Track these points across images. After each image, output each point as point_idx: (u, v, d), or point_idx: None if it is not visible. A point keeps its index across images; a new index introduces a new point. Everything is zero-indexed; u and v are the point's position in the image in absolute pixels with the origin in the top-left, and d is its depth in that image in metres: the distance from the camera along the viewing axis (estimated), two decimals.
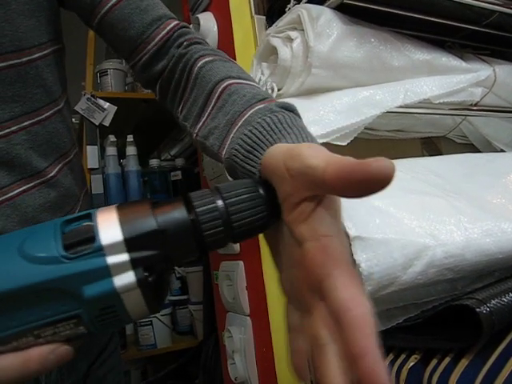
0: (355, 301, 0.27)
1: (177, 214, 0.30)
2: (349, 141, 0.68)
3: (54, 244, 0.28)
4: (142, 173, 1.49)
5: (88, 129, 1.39)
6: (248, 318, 0.80)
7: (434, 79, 0.74)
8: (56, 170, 0.55)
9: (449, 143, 0.96)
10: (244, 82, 0.48)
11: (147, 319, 1.43)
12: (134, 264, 0.28)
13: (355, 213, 0.54)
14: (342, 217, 0.32)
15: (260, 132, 0.38)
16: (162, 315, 1.46)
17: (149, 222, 0.29)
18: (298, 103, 0.68)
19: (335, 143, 0.66)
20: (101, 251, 0.27)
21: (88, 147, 1.37)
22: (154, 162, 1.57)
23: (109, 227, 0.28)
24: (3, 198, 0.49)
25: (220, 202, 0.30)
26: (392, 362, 0.53)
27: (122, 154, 1.50)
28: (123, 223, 0.28)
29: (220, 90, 0.47)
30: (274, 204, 0.32)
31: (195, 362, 1.48)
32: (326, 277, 0.28)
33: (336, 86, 0.69)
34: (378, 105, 0.69)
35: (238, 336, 0.82)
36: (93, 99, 1.39)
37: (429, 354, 0.52)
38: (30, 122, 0.51)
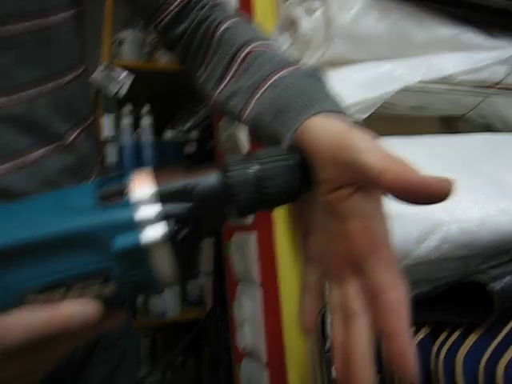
0: (394, 284, 0.29)
1: (210, 175, 0.30)
2: (367, 115, 0.67)
3: (88, 195, 0.28)
4: (156, 144, 1.50)
5: (104, 98, 1.39)
6: (259, 288, 0.81)
7: (457, 56, 0.72)
8: (74, 135, 0.55)
9: (467, 123, 0.94)
10: (269, 46, 0.48)
11: None
12: (164, 218, 0.28)
13: None
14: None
15: (292, 95, 0.38)
16: None
17: (182, 179, 0.29)
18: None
19: (355, 117, 0.66)
20: (132, 203, 0.28)
21: (104, 116, 1.37)
22: (168, 134, 1.57)
23: (142, 182, 0.29)
24: (24, 160, 0.50)
25: (254, 168, 0.30)
26: None
27: (136, 125, 1.50)
28: (157, 178, 0.29)
29: (244, 53, 0.47)
30: (307, 175, 0.32)
31: (204, 334, 1.51)
32: (368, 257, 0.30)
33: (356, 59, 0.69)
34: (399, 80, 0.68)
35: (248, 306, 0.83)
36: (110, 68, 1.39)
37: (438, 328, 0.52)
38: (52, 85, 0.51)
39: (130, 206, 0.28)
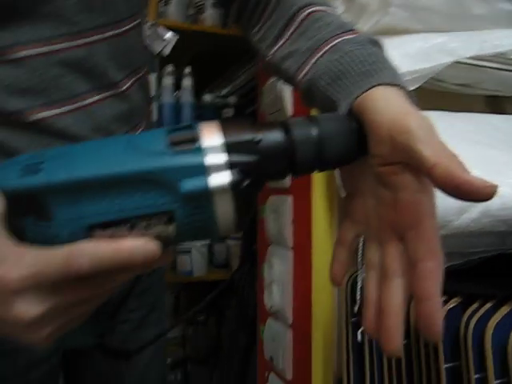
0: (432, 254, 0.32)
1: (274, 132, 0.32)
2: (415, 87, 0.67)
3: (159, 139, 0.30)
4: (196, 106, 1.51)
5: (148, 56, 1.40)
6: (291, 250, 0.83)
7: None
8: (129, 84, 0.57)
9: None
10: (328, 10, 0.48)
11: (187, 247, 1.50)
12: (230, 166, 0.29)
13: None
14: None
15: (352, 61, 0.39)
16: (200, 245, 1.53)
17: (248, 132, 0.31)
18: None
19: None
20: (201, 149, 0.29)
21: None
22: (207, 97, 1.58)
23: (211, 132, 0.30)
24: (80, 104, 0.52)
25: (316, 130, 0.32)
26: None
27: (177, 86, 1.51)
28: (224, 130, 0.30)
29: (304, 15, 0.47)
30: (364, 142, 0.33)
31: (226, 295, 1.55)
32: (413, 228, 0.32)
33: (411, 29, 0.68)
34: (451, 53, 0.67)
35: (279, 267, 0.85)
36: (155, 27, 1.39)
37: (470, 298, 0.54)
38: (112, 33, 0.53)
39: (200, 152, 0.29)
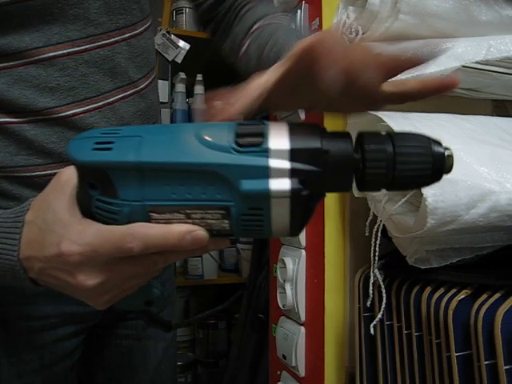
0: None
1: (343, 143, 0.31)
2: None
3: (226, 135, 0.30)
4: None
5: (161, 64, 1.44)
6: (303, 250, 0.85)
7: None
8: (146, 83, 0.61)
9: None
10: (275, 18, 0.60)
11: None
12: (292, 173, 0.29)
13: None
14: None
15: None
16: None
17: (315, 140, 0.30)
18: (381, 48, 0.71)
19: None
20: (266, 152, 0.29)
21: (159, 81, 1.43)
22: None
23: (278, 134, 0.30)
24: (105, 102, 0.55)
25: (390, 148, 0.31)
26: (442, 295, 0.57)
27: (189, 93, 1.55)
28: (292, 134, 0.30)
29: (254, 28, 0.58)
30: (439, 167, 0.32)
31: (237, 299, 1.57)
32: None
33: (420, 35, 0.71)
34: (459, 57, 0.70)
35: (291, 267, 0.87)
36: (168, 35, 1.44)
37: (480, 290, 0.56)
38: (129, 34, 0.56)
39: (266, 154, 0.29)
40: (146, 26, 0.60)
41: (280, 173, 0.29)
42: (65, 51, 0.51)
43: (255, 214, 0.30)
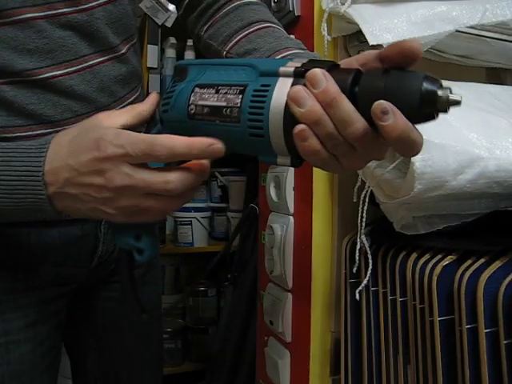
0: None
1: (345, 74, 0.35)
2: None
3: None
4: None
5: (150, 28, 1.41)
6: (291, 217, 0.85)
7: None
8: (125, 48, 0.60)
9: None
10: (285, 32, 0.56)
11: (187, 218, 1.52)
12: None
13: None
14: None
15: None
16: (201, 217, 1.55)
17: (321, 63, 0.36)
18: (374, 10, 0.69)
19: None
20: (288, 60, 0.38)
21: (149, 46, 1.40)
22: None
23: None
24: (85, 64, 0.55)
25: (381, 83, 0.33)
26: (428, 261, 0.57)
27: (179, 58, 1.52)
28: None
29: (262, 25, 0.54)
30: (429, 104, 0.33)
31: (226, 267, 1.58)
32: None
33: None
34: (454, 21, 0.68)
35: (279, 233, 0.87)
36: None
37: (464, 256, 0.56)
38: (107, 0, 0.55)
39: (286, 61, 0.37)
40: None
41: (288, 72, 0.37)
42: (41, 14, 0.50)
43: (263, 91, 0.36)
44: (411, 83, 0.32)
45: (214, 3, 0.59)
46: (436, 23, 0.68)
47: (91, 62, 0.55)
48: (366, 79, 0.34)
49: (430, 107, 0.32)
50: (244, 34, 0.55)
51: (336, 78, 0.34)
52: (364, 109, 0.33)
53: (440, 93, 0.32)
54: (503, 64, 0.90)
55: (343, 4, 0.70)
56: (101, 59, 0.56)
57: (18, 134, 0.52)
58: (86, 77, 0.55)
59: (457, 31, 0.69)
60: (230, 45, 0.56)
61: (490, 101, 0.68)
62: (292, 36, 0.58)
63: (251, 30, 0.54)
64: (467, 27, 0.70)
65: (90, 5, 0.53)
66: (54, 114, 0.53)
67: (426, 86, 0.32)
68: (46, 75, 0.52)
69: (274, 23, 0.56)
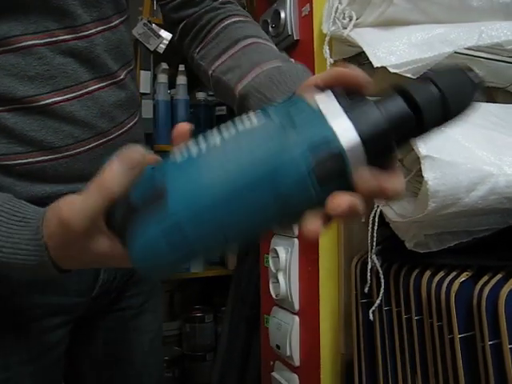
0: None
1: (394, 98, 0.31)
2: (419, 75, 0.70)
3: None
4: (190, 104, 1.53)
5: (142, 54, 1.41)
6: (296, 239, 0.85)
7: (510, 24, 0.74)
8: (124, 74, 0.61)
9: (505, 96, 0.96)
10: (271, 45, 0.54)
11: None
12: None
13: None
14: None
15: (290, 71, 0.44)
16: None
17: (370, 103, 0.31)
18: (375, 33, 0.71)
19: (406, 75, 0.69)
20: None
21: (141, 72, 1.40)
22: (200, 95, 1.60)
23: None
24: (85, 90, 0.55)
25: (435, 88, 0.31)
26: (443, 278, 0.58)
27: (171, 84, 1.53)
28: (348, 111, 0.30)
29: (248, 42, 0.53)
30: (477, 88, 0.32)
31: (221, 291, 1.56)
32: None
33: (413, 20, 0.71)
34: (452, 43, 0.70)
35: (284, 256, 0.87)
36: (149, 25, 1.41)
37: (480, 271, 0.56)
38: (104, 27, 0.57)
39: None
40: (122, 19, 0.60)
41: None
42: (42, 41, 0.51)
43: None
44: (458, 77, 0.32)
45: (206, 25, 0.60)
46: (436, 45, 0.70)
47: (91, 88, 0.55)
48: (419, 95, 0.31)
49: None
50: (230, 53, 0.55)
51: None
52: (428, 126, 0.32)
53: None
54: (495, 83, 0.93)
55: (345, 28, 0.71)
56: (100, 85, 0.56)
57: (19, 161, 0.52)
58: (86, 103, 0.55)
59: (455, 52, 0.71)
60: (217, 64, 0.57)
61: (490, 118, 0.70)
62: (284, 53, 0.59)
63: (237, 48, 0.55)
64: (465, 48, 0.72)
65: (90, 32, 0.54)
66: (55, 140, 0.53)
67: (471, 74, 0.32)
68: (46, 101, 0.52)
69: (261, 38, 0.56)
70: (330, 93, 0.32)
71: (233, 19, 0.58)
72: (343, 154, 0.29)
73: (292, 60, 0.50)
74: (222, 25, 0.58)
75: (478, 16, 0.73)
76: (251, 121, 0.32)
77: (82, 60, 0.54)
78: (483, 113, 0.71)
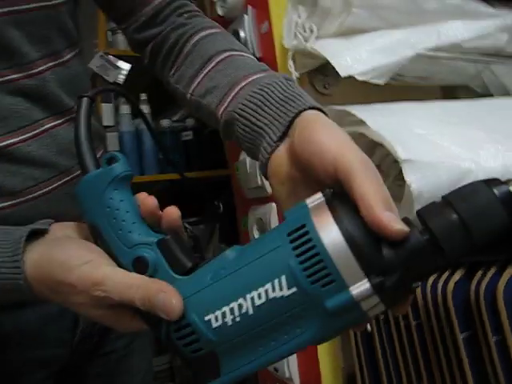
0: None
1: (412, 238, 0.29)
2: (385, 80, 0.70)
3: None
4: (155, 132, 1.50)
5: (102, 86, 1.39)
6: None
7: (464, 23, 0.76)
8: None
9: (467, 93, 0.99)
10: (246, 55, 0.50)
11: None
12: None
13: (402, 139, 0.57)
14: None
15: (273, 90, 0.40)
16: None
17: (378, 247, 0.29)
18: (337, 43, 0.71)
19: (373, 82, 0.69)
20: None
21: (103, 105, 1.38)
22: (164, 123, 1.58)
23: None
24: (40, 129, 0.52)
25: (454, 216, 0.29)
26: (437, 279, 0.57)
27: (134, 114, 1.50)
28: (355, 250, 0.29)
29: (221, 57, 0.49)
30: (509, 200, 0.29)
31: None
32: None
33: (373, 27, 0.72)
34: (413, 46, 0.72)
35: None
36: (106, 57, 1.39)
37: (472, 268, 0.56)
38: (55, 62, 0.54)
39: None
40: (74, 53, 0.58)
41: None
42: None
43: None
44: (481, 196, 0.29)
45: (175, 45, 0.55)
46: (398, 49, 0.71)
47: (47, 126, 0.52)
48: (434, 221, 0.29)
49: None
50: (205, 72, 0.51)
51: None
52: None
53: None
54: (457, 81, 0.95)
55: (306, 41, 0.72)
56: (57, 122, 0.53)
57: None
58: (43, 141, 0.52)
59: (416, 55, 0.73)
60: (193, 86, 0.53)
61: (458, 115, 0.71)
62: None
63: (211, 66, 0.50)
64: (425, 50, 0.73)
65: (40, 69, 0.51)
66: (15, 184, 0.50)
67: (496, 190, 0.29)
68: (1, 144, 0.49)
69: (235, 49, 0.51)
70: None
71: (202, 33, 0.54)
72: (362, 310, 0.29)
73: (268, 69, 0.46)
74: (192, 42, 0.53)
75: (435, 18, 0.75)
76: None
77: (34, 98, 0.51)
78: (450, 110, 0.73)
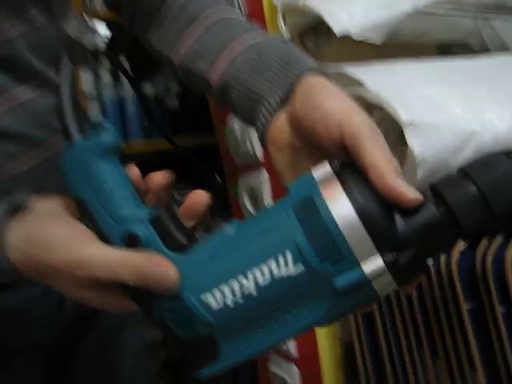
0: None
1: (426, 207, 0.27)
2: (383, 38, 0.66)
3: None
4: (138, 99, 1.45)
5: (80, 51, 1.32)
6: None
7: None
8: (56, 76, 0.54)
9: (463, 50, 0.95)
10: (234, 11, 0.47)
11: None
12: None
13: (404, 100, 0.54)
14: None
15: (271, 53, 0.37)
16: None
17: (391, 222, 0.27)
18: (334, 2, 0.66)
19: (370, 41, 0.65)
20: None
21: (82, 73, 1.31)
22: (148, 88, 1.51)
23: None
24: (13, 100, 0.48)
25: (473, 189, 0.27)
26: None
27: (115, 78, 1.44)
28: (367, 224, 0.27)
29: (208, 13, 0.45)
30: None
31: None
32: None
33: None
34: (413, 1, 0.67)
35: None
36: (82, 19, 1.31)
37: (476, 239, 0.54)
38: (27, 27, 0.49)
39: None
40: (46, 15, 0.53)
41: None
42: None
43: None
44: (501, 168, 0.28)
45: (160, 7, 0.52)
46: (394, 4, 0.66)
47: (20, 96, 0.48)
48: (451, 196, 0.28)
49: None
50: (191, 32, 0.47)
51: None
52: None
53: None
54: (453, 38, 0.91)
55: None
56: (30, 91, 0.49)
57: None
58: (17, 112, 0.48)
59: (413, 11, 0.68)
60: (179, 48, 0.48)
61: (460, 74, 0.68)
62: None
63: (197, 24, 0.46)
64: (424, 2, 0.69)
65: (10, 34, 0.47)
66: None
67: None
68: None
69: (221, 4, 0.47)
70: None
71: None
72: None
73: (259, 30, 0.42)
74: (179, 3, 0.48)
75: None
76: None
77: (1, 66, 0.46)
78: (451, 69, 0.69)
